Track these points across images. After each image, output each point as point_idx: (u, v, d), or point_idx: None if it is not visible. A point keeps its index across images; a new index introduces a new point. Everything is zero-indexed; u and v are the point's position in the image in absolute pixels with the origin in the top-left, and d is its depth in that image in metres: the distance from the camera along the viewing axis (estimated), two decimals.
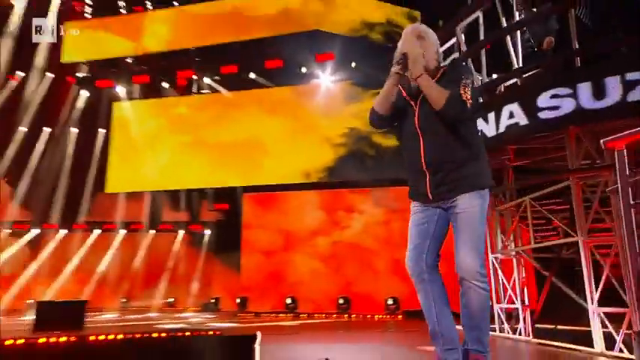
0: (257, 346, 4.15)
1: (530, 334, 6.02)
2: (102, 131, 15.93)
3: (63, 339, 5.69)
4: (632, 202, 2.38)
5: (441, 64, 2.41)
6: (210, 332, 5.88)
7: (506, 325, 6.38)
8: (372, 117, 2.38)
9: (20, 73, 15.41)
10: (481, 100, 3.04)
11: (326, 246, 13.19)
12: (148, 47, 14.78)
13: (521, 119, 4.70)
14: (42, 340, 5.60)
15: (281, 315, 12.27)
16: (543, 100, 4.44)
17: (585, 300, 4.70)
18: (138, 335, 5.75)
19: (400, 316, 11.31)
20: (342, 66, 13.12)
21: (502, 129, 4.96)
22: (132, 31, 15.01)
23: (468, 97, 2.12)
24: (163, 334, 5.76)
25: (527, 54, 6.12)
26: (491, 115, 5.04)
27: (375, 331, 8.02)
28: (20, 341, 5.49)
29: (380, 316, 11.61)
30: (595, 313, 4.52)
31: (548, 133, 4.73)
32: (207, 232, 15.83)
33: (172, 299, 15.22)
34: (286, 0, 13.29)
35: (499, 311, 6.44)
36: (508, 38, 5.74)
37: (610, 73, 4.03)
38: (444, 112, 2.14)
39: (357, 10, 12.54)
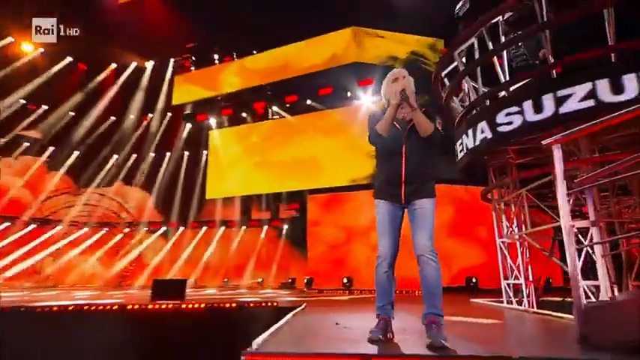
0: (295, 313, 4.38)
1: (534, 305, 5.71)
2: (204, 152, 17.40)
3: (164, 306, 6.41)
4: (567, 192, 2.37)
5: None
6: (269, 303, 6.25)
7: (513, 299, 6.09)
8: (371, 137, 2.54)
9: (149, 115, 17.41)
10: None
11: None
12: (233, 87, 15.82)
13: (488, 134, 4.67)
14: (150, 306, 6.39)
15: (339, 291, 12.47)
16: (500, 117, 4.44)
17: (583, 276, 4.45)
18: (215, 304, 6.32)
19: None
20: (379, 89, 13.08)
21: (477, 142, 4.94)
22: (221, 77, 16.19)
23: (440, 129, 2.48)
24: (234, 304, 6.26)
25: (522, 66, 5.91)
26: (470, 131, 5.04)
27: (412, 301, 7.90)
28: (136, 306, 6.30)
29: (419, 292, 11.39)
30: (580, 286, 4.26)
31: (506, 143, 4.73)
32: (285, 226, 16.54)
33: (260, 279, 15.98)
34: (333, 45, 13.58)
35: (506, 287, 6.17)
36: (495, 58, 5.58)
37: (546, 90, 3.98)
38: (430, 136, 2.42)
39: (384, 47, 12.57)
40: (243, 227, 16.89)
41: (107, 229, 17.36)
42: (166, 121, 17.62)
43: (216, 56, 16.66)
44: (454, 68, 6.86)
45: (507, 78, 5.52)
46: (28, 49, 15.19)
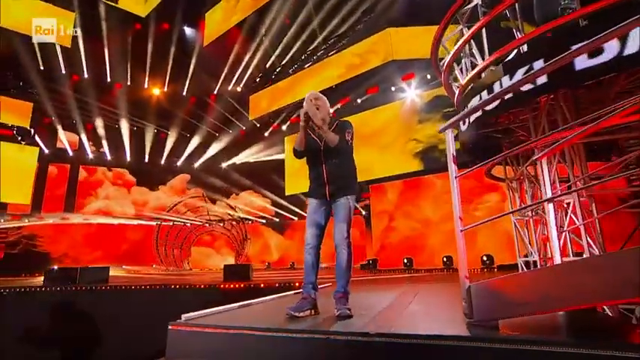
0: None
1: None
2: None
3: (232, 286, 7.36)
4: (455, 175, 2.35)
5: (336, 119, 2.81)
6: (297, 284, 6.71)
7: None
8: (294, 153, 2.75)
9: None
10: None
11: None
12: (300, 94, 16.62)
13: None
14: (223, 285, 7.40)
15: (398, 271, 12.37)
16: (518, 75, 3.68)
17: None
18: (276, 284, 6.95)
19: (496, 269, 10.23)
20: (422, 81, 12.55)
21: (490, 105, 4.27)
22: (292, 87, 17.12)
23: (349, 139, 2.71)
24: (276, 285, 6.91)
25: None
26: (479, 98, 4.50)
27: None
28: (205, 286, 7.39)
29: (476, 269, 10.68)
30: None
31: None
32: (364, 212, 16.83)
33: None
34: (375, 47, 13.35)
35: (522, 264, 5.60)
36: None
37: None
38: (337, 147, 2.64)
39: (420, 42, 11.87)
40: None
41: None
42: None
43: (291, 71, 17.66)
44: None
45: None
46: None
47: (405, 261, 12.51)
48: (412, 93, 13.23)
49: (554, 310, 2.20)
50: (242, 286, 7.39)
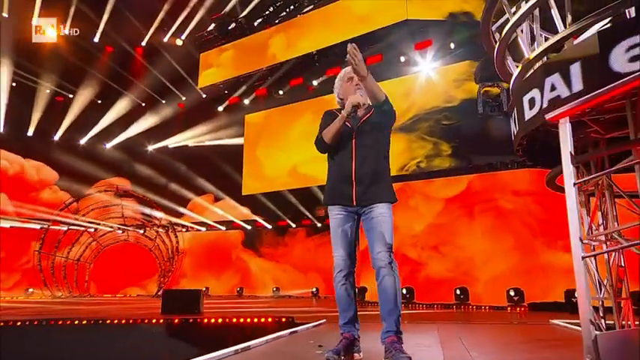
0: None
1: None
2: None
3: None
4: (574, 182, 2.20)
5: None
6: (284, 319, 6.42)
7: (601, 321, 5.56)
8: (321, 145, 2.80)
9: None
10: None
11: None
12: (266, 61, 16.28)
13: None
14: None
15: None
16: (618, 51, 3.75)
17: None
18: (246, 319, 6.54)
19: (526, 308, 10.44)
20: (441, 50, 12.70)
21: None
22: (260, 47, 16.67)
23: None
24: (247, 319, 6.54)
25: None
26: (552, 79, 4.49)
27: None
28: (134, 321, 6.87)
29: (499, 306, 10.89)
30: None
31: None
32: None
33: (315, 289, 15.97)
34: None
35: (587, 305, 5.66)
36: None
37: None
38: (383, 109, 2.71)
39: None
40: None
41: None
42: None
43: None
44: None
45: None
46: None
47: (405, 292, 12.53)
48: (428, 66, 13.32)
49: None
50: (190, 321, 6.99)
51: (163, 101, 19.58)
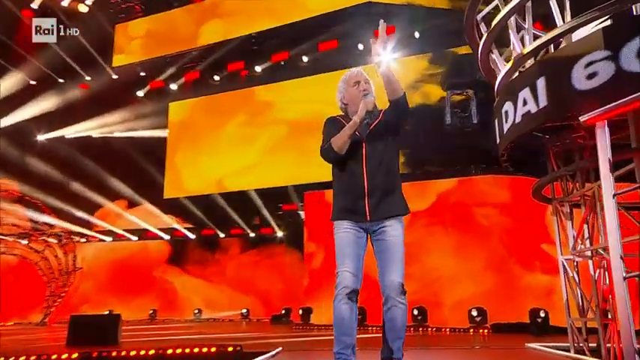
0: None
1: (617, 357, 5.52)
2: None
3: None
4: (614, 193, 2.26)
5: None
6: (230, 348, 6.23)
7: (584, 345, 5.90)
8: (331, 155, 2.94)
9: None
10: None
11: None
12: (198, 42, 16.00)
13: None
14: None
15: None
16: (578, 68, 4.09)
17: None
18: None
19: (489, 330, 10.91)
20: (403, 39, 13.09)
21: (535, 108, 4.63)
22: (182, 26, 16.34)
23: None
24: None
25: None
26: (524, 93, 4.76)
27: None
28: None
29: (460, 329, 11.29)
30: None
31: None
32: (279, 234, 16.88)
33: (245, 310, 16.21)
34: None
35: (573, 326, 5.99)
36: None
37: None
38: (399, 105, 2.92)
39: None
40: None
41: None
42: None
43: None
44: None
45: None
46: None
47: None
48: (388, 56, 13.51)
49: None
50: (113, 354, 6.60)
51: (61, 80, 18.68)
